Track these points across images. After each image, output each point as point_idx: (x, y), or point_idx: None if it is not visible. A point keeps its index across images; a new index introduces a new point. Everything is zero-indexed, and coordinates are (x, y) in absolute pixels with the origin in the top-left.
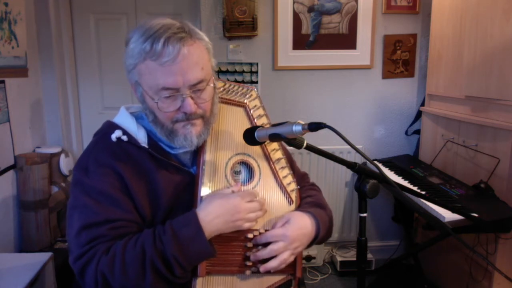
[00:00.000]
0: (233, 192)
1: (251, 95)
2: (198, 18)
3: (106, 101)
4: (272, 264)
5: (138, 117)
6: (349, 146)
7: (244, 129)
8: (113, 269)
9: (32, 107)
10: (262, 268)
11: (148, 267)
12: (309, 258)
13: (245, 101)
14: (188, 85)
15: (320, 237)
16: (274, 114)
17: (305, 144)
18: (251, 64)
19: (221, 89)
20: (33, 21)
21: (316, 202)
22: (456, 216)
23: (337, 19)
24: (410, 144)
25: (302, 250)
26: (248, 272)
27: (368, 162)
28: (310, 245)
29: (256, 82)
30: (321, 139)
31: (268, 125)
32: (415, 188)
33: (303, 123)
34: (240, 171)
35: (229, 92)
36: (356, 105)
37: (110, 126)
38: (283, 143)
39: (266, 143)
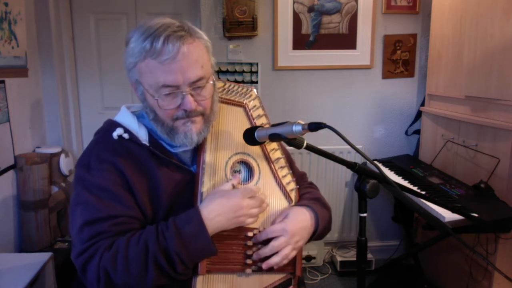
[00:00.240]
0: (233, 186)
1: (251, 95)
2: (198, 18)
3: (106, 101)
4: (274, 260)
5: (139, 116)
6: (349, 146)
7: (244, 129)
8: (116, 265)
9: (32, 107)
10: (265, 264)
11: (151, 263)
12: (309, 258)
13: (244, 101)
14: (188, 82)
15: (319, 231)
16: (274, 114)
17: (305, 144)
18: (251, 64)
19: (221, 89)
20: (33, 21)
21: (314, 197)
22: (456, 216)
23: (337, 19)
24: (410, 144)
25: (303, 244)
26: (248, 270)
27: (368, 162)
28: (310, 239)
29: (256, 82)
30: (321, 139)
31: (267, 125)
32: (415, 188)
33: (303, 123)
34: (240, 170)
35: (229, 92)
36: (356, 105)
37: (112, 125)
38: (282, 143)
39: (265, 143)
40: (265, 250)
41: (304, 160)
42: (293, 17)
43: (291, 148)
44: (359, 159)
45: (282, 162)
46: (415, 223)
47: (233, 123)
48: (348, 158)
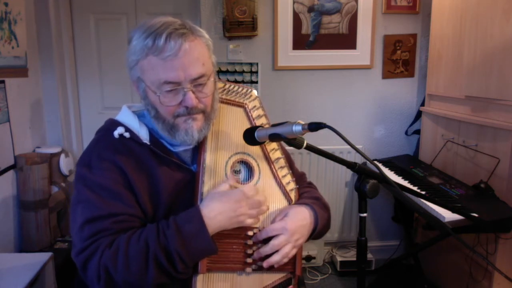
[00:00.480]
0: (230, 186)
1: (251, 95)
2: (198, 18)
3: (106, 101)
4: (274, 258)
5: (140, 115)
6: (349, 146)
7: (244, 129)
8: (116, 263)
9: (32, 107)
10: (265, 263)
11: (151, 261)
12: (309, 258)
13: (244, 102)
14: (190, 79)
15: (319, 229)
16: (274, 114)
17: (305, 144)
18: (251, 64)
19: (221, 89)
20: (33, 21)
21: (313, 196)
22: (456, 216)
23: (337, 19)
24: (410, 144)
25: (302, 242)
26: (248, 269)
27: (368, 162)
28: (309, 237)
29: (256, 82)
30: (321, 139)
31: (267, 125)
32: (415, 188)
33: (303, 123)
34: (240, 170)
35: (229, 92)
36: (356, 105)
37: (113, 124)
38: (282, 143)
39: (265, 143)
40: (266, 249)
41: (304, 160)
42: (293, 17)
43: (291, 148)
44: (359, 159)
45: (282, 162)
46: (415, 223)
47: (233, 123)
48: (348, 158)
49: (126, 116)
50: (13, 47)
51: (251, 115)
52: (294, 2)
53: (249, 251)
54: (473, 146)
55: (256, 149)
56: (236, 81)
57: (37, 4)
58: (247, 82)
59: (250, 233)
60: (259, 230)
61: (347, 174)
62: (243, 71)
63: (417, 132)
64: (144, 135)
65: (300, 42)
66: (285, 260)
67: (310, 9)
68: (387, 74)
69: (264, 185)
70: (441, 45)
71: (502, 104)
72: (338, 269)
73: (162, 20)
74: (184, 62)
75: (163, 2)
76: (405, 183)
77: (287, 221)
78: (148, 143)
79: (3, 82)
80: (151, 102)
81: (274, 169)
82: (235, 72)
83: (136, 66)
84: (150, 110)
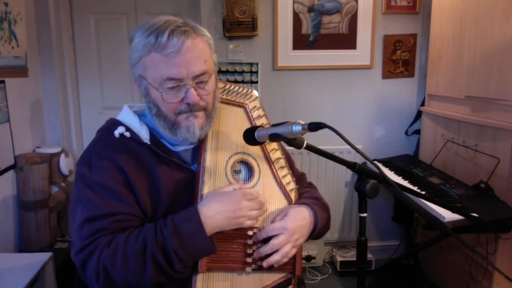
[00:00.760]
0: (234, 189)
1: (251, 96)
2: (198, 18)
3: (106, 101)
4: (274, 258)
5: (140, 115)
6: (349, 146)
7: (244, 129)
8: (115, 262)
9: (32, 107)
10: (265, 262)
11: (149, 261)
12: (309, 258)
13: (245, 102)
14: (192, 76)
15: (318, 229)
16: (274, 114)
17: (305, 144)
18: (251, 64)
19: (221, 89)
20: (33, 21)
21: (313, 196)
22: (456, 216)
23: (337, 19)
24: (410, 144)
25: (302, 242)
26: (248, 269)
27: (368, 162)
28: (309, 237)
29: (256, 82)
30: (321, 139)
31: (267, 126)
32: (415, 188)
33: (303, 123)
34: (240, 170)
35: (229, 92)
36: (356, 105)
37: (113, 123)
38: (282, 143)
39: (265, 143)
40: (265, 249)
41: (304, 160)
42: (293, 17)
43: (291, 148)
44: (359, 159)
45: (282, 162)
46: (415, 223)
47: (233, 123)
48: (348, 158)
49: (127, 116)
50: (13, 47)
51: (252, 115)
52: (294, 2)
53: (249, 251)
54: (473, 146)
55: (256, 149)
56: (236, 81)
57: (37, 4)
58: (247, 82)
59: (250, 232)
60: (259, 230)
61: (347, 174)
62: (243, 71)
63: (417, 132)
64: (144, 134)
65: (300, 42)
66: (285, 259)
67: (310, 9)
68: (387, 74)
69: (264, 185)
70: (441, 45)
71: (502, 104)
72: (338, 269)
73: (164, 18)
74: (186, 59)
75: (163, 2)
76: (405, 183)
77: (287, 221)
78: (149, 142)
79: (3, 82)
80: (152, 99)
81: (274, 169)
82: (235, 72)
83: (138, 64)
84: (151, 107)
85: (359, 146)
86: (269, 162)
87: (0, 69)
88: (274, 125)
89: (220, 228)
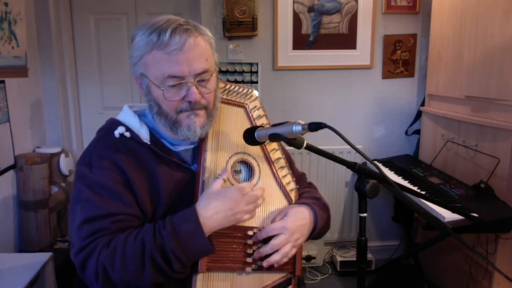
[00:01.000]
0: (224, 180)
1: (251, 96)
2: (198, 18)
3: (106, 101)
4: (274, 257)
5: (141, 115)
6: (349, 146)
7: (244, 129)
8: (114, 262)
9: (32, 107)
10: (265, 262)
11: (147, 261)
12: (309, 258)
13: (245, 102)
14: (194, 74)
15: (318, 229)
16: (274, 114)
17: (305, 144)
18: (251, 64)
19: (222, 89)
20: (33, 21)
21: (313, 196)
22: (456, 216)
23: (337, 19)
24: (410, 144)
25: (302, 242)
26: (248, 269)
27: (368, 162)
28: (309, 237)
29: (256, 82)
30: (321, 139)
31: (267, 126)
32: (415, 188)
33: (303, 123)
34: (240, 170)
35: (230, 92)
36: (356, 105)
37: (113, 123)
38: (282, 144)
39: (266, 143)
40: (266, 249)
41: (304, 160)
42: (293, 17)
43: (291, 148)
44: (359, 159)
45: (282, 162)
46: (415, 223)
47: (233, 123)
48: (348, 158)
49: (127, 116)
50: (13, 47)
51: (252, 115)
52: (294, 2)
53: (249, 251)
54: (473, 146)
55: (256, 149)
56: (236, 81)
57: (37, 4)
58: (247, 82)
59: (250, 232)
60: (259, 230)
61: (347, 174)
62: (243, 71)
63: (417, 132)
64: (144, 134)
65: (300, 42)
66: (285, 259)
67: (310, 9)
68: (387, 74)
69: (264, 185)
70: (441, 45)
71: (502, 104)
72: (338, 269)
73: (165, 17)
74: (188, 57)
75: (163, 2)
76: (405, 183)
77: (287, 221)
78: (149, 142)
79: (3, 82)
80: (154, 97)
81: (274, 169)
82: (235, 72)
83: (140, 62)
84: (152, 106)
85: (359, 146)
86: (269, 162)
87: (0, 69)
88: (274, 125)
89: (219, 227)
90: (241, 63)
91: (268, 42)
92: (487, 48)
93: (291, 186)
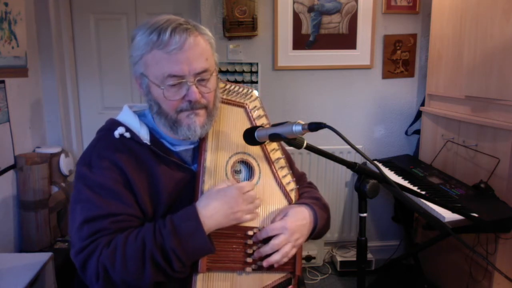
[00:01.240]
0: (228, 186)
1: (251, 96)
2: (198, 18)
3: (106, 101)
4: (274, 257)
5: (140, 115)
6: (349, 146)
7: (244, 129)
8: (114, 262)
9: (32, 107)
10: (265, 262)
11: (148, 260)
12: (309, 258)
13: (245, 102)
14: (194, 73)
15: (318, 229)
16: (274, 114)
17: (305, 144)
18: (251, 64)
19: (222, 89)
20: (33, 21)
21: (313, 196)
22: (456, 216)
23: (337, 19)
24: (410, 144)
25: (302, 242)
26: (248, 269)
27: (368, 162)
28: (309, 237)
29: (256, 82)
30: (321, 139)
31: (267, 126)
32: (415, 188)
33: (303, 123)
34: (240, 170)
35: (230, 92)
36: (356, 105)
37: (113, 123)
38: (282, 144)
39: (266, 143)
40: (266, 249)
41: (304, 160)
42: (293, 17)
43: (291, 148)
44: (359, 159)
45: (282, 162)
46: (415, 223)
47: (233, 123)
48: (348, 158)
49: (127, 116)
50: (13, 47)
51: (252, 115)
52: (294, 2)
53: (249, 251)
54: (473, 146)
55: (256, 149)
56: (236, 81)
57: (37, 4)
58: (247, 82)
59: (250, 232)
60: (259, 230)
61: (347, 174)
62: (243, 71)
63: (417, 132)
64: (144, 135)
65: (300, 42)
66: (285, 259)
67: (310, 9)
68: (387, 74)
69: (264, 185)
70: (441, 45)
71: (502, 104)
72: (338, 269)
73: (165, 17)
74: (188, 56)
75: (163, 2)
76: (405, 183)
77: (287, 221)
78: (148, 143)
79: (3, 82)
80: (154, 97)
81: (274, 169)
82: (235, 72)
83: (140, 61)
84: (152, 106)
85: (359, 146)
86: (269, 162)
87: (0, 69)
88: (274, 125)
89: (219, 225)
90: (241, 63)
91: (268, 42)
92: (487, 48)
93: (291, 186)
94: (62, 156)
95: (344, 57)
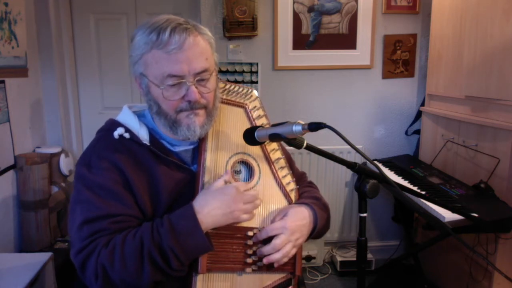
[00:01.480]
0: (225, 182)
1: (251, 96)
2: (198, 18)
3: (106, 101)
4: (275, 256)
5: (140, 116)
6: (349, 146)
7: (244, 129)
8: (113, 262)
9: (32, 107)
10: (265, 259)
11: (146, 259)
12: (309, 258)
13: (245, 102)
14: (193, 73)
15: (318, 229)
16: (274, 114)
17: (305, 144)
18: (251, 64)
19: (222, 89)
20: (33, 21)
21: (313, 196)
22: (456, 216)
23: (337, 19)
24: (410, 144)
25: (302, 241)
26: (248, 269)
27: (368, 162)
28: (309, 236)
29: (256, 82)
30: (321, 139)
31: (267, 126)
32: (415, 188)
33: (303, 123)
34: (240, 170)
35: (230, 93)
36: (356, 105)
37: (113, 124)
38: (282, 143)
39: (266, 143)
40: (267, 248)
41: (304, 160)
42: (293, 17)
43: (291, 148)
44: (359, 159)
45: (282, 162)
46: (415, 223)
47: (233, 123)
48: (348, 158)
49: (127, 116)
50: (13, 47)
51: (252, 116)
52: (294, 2)
53: (249, 251)
54: (473, 146)
55: (256, 149)
56: (236, 81)
57: (37, 4)
58: (247, 82)
59: (250, 233)
60: (259, 230)
61: (347, 174)
62: (243, 71)
63: (417, 132)
64: (144, 135)
65: (300, 42)
66: (285, 259)
67: (310, 9)
68: (387, 74)
69: (265, 185)
70: (441, 45)
71: (502, 104)
72: (338, 269)
73: (165, 17)
74: (188, 56)
75: (163, 2)
76: (405, 183)
77: (287, 221)
78: (148, 143)
79: (3, 82)
80: (153, 97)
81: (274, 169)
82: (235, 72)
83: (140, 61)
84: (152, 106)
85: (359, 146)
86: (269, 162)
87: (0, 69)
88: (274, 125)
89: (216, 224)
90: (241, 63)
91: (268, 42)
92: (487, 48)
93: (291, 186)
94: (62, 156)
95: (344, 57)
